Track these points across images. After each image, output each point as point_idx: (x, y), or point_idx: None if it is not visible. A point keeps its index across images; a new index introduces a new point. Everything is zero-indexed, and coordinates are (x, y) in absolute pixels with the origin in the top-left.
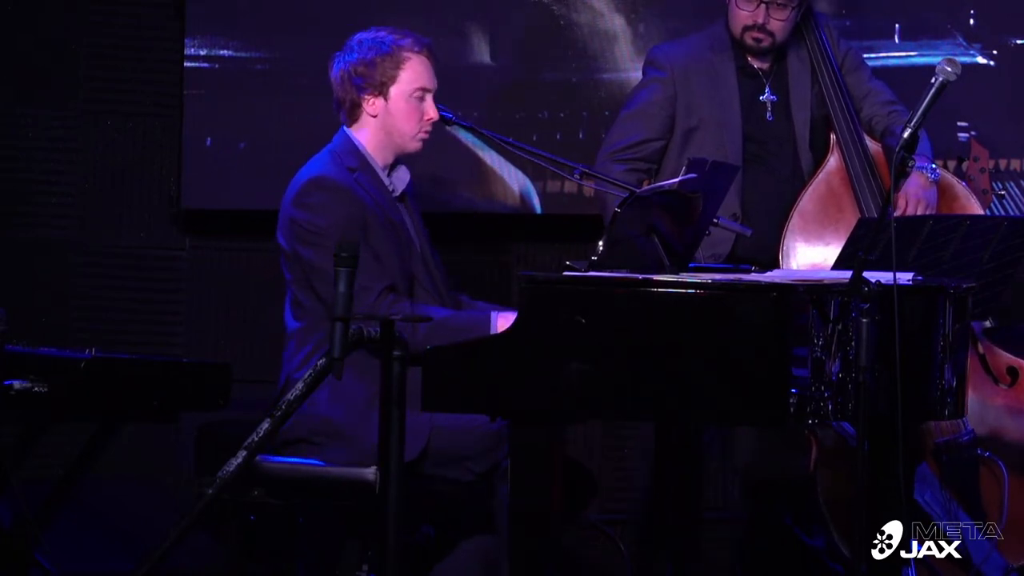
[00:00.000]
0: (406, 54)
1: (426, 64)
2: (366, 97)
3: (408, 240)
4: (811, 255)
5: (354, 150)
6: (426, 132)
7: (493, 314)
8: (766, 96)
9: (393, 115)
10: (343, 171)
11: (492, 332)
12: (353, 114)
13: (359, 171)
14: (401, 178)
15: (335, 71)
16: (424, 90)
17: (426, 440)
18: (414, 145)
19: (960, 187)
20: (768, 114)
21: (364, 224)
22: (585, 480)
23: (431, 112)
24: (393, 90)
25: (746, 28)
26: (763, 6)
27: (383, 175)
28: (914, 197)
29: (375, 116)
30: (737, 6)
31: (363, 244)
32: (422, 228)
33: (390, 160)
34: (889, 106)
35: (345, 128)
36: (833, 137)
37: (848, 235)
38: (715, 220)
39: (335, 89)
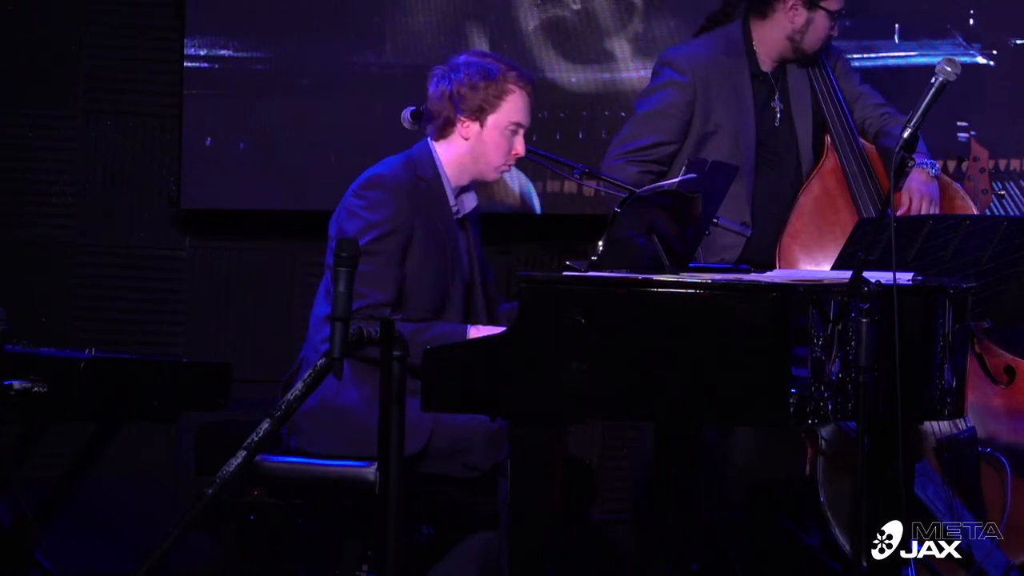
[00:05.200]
0: (511, 86)
1: (527, 100)
2: (462, 119)
3: (455, 262)
4: (809, 256)
5: (431, 162)
6: (509, 166)
7: (468, 327)
8: (775, 102)
9: (485, 142)
10: (412, 177)
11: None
12: (444, 131)
13: (429, 183)
14: (468, 202)
15: (435, 86)
16: (519, 125)
17: (427, 437)
18: (494, 176)
19: (956, 186)
20: (777, 119)
21: (411, 232)
22: (586, 479)
23: (519, 148)
24: (490, 118)
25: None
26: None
27: (451, 195)
28: (918, 193)
29: (467, 139)
30: (824, 20)
31: (396, 251)
32: (478, 255)
33: (464, 182)
34: (880, 108)
35: (429, 140)
36: (828, 139)
37: (845, 235)
38: (715, 220)
39: (431, 103)
